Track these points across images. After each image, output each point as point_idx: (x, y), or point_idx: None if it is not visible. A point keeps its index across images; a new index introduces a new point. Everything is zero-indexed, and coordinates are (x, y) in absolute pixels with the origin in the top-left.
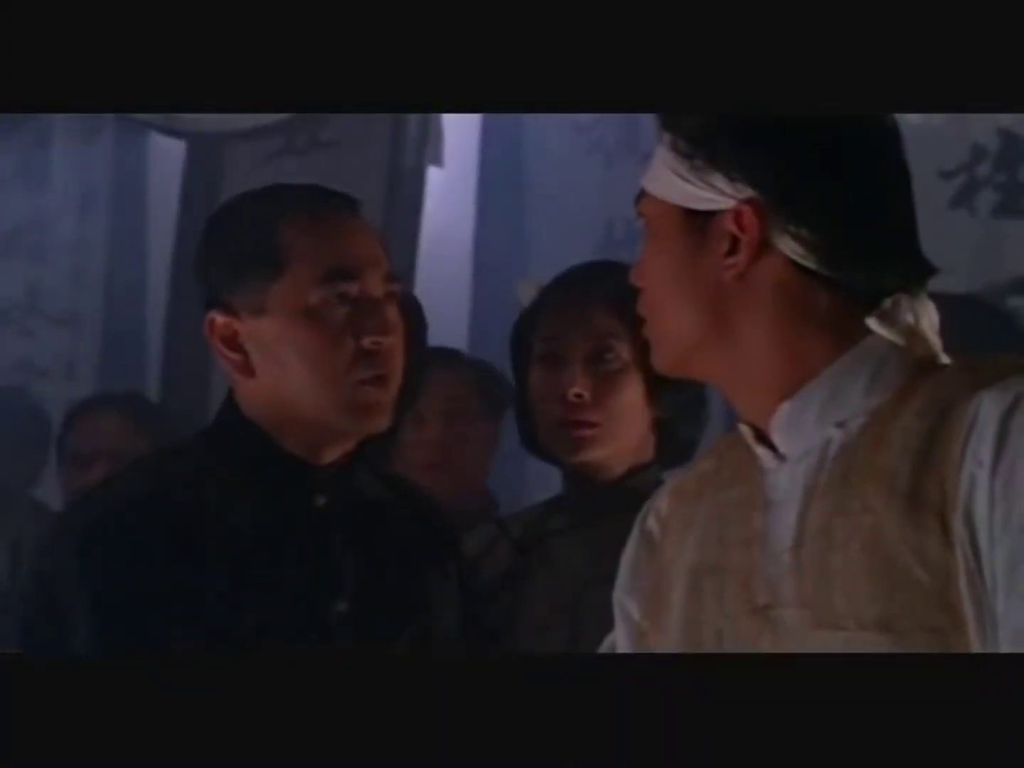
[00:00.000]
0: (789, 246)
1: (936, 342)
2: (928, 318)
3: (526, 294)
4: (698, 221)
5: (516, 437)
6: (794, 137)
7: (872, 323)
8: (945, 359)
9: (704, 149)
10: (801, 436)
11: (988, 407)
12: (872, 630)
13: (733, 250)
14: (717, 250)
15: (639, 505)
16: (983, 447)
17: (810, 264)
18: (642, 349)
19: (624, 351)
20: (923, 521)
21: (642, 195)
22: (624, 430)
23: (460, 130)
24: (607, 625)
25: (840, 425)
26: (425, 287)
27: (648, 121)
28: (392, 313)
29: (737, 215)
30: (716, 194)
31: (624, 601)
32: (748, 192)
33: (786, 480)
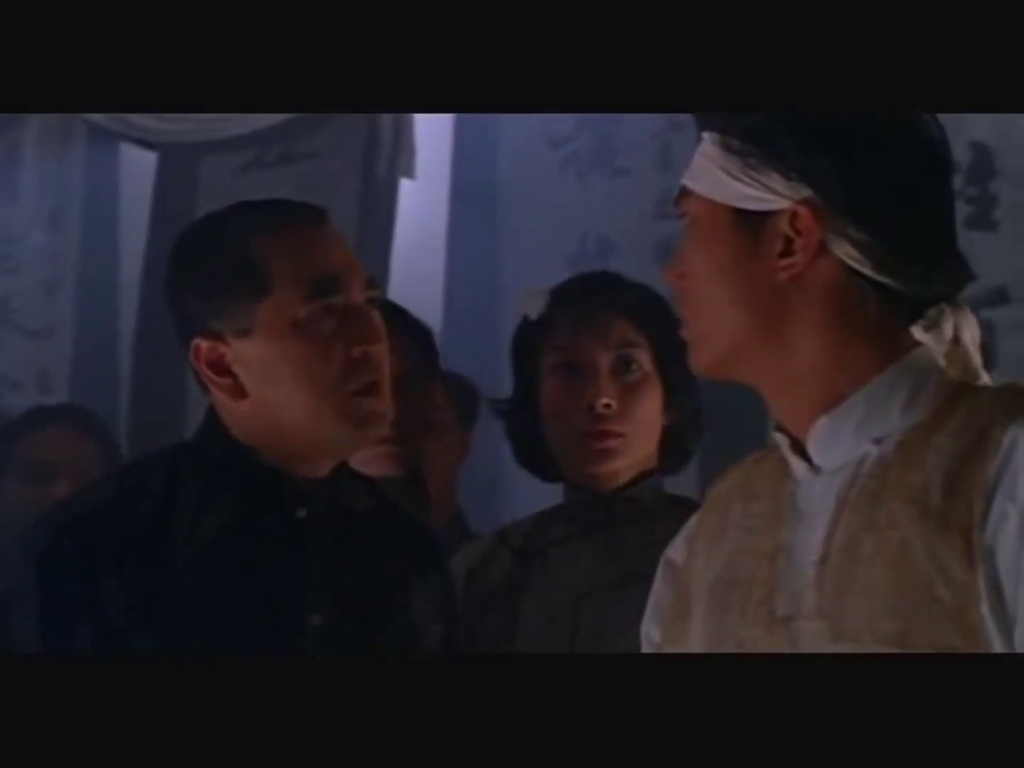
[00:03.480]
0: (844, 250)
1: (976, 356)
2: (970, 331)
3: (535, 304)
4: (749, 221)
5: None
6: (852, 137)
7: (917, 332)
8: (984, 376)
9: (761, 147)
10: (837, 450)
11: (1022, 447)
12: (888, 645)
13: (787, 251)
14: (770, 251)
15: (639, 514)
16: (1018, 485)
17: (864, 269)
18: (661, 357)
19: (645, 361)
20: (949, 540)
21: (684, 193)
22: (644, 440)
23: (433, 142)
24: (607, 634)
25: (877, 441)
26: (398, 299)
27: (621, 135)
28: (376, 319)
29: (793, 216)
30: (770, 194)
31: (649, 632)
32: (805, 192)
33: (819, 493)
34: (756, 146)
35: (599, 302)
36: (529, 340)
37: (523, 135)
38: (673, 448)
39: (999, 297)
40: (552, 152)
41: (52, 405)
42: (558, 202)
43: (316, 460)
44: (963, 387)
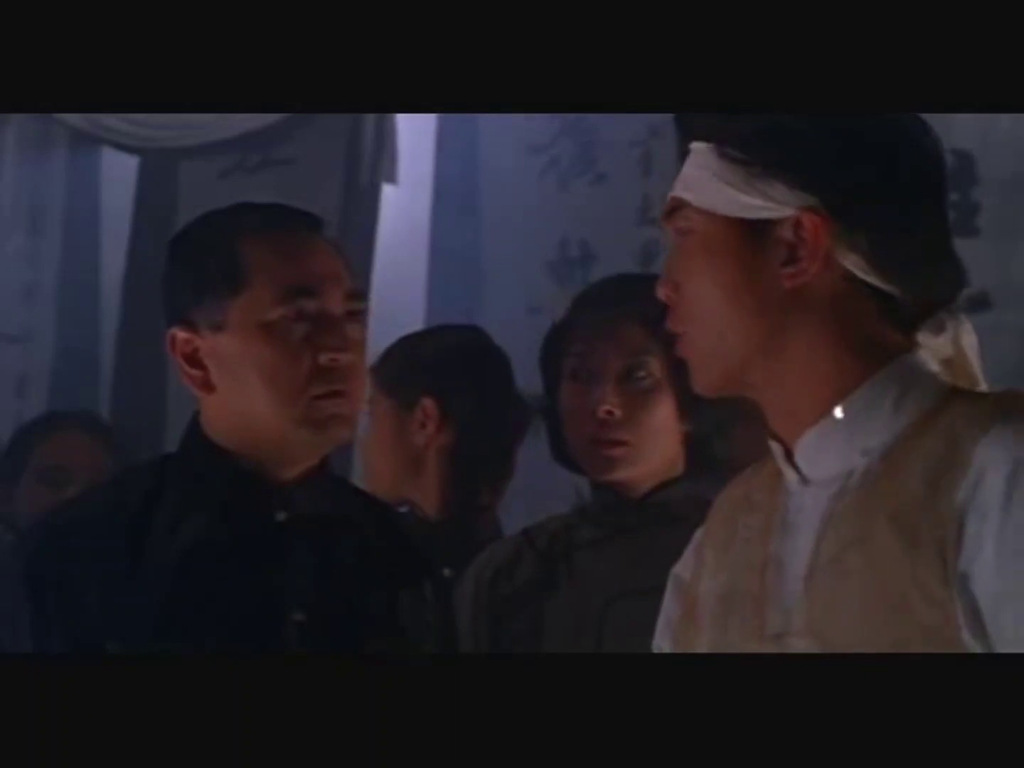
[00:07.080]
0: (850, 258)
1: (976, 362)
2: (968, 337)
3: (561, 309)
4: (753, 231)
5: None
6: (853, 142)
7: (925, 339)
8: (983, 384)
9: (763, 155)
10: (826, 462)
11: (993, 469)
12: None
13: (790, 259)
14: (773, 260)
15: (666, 519)
16: (991, 507)
17: (869, 276)
18: (675, 365)
19: (656, 368)
20: (924, 557)
21: (677, 206)
22: (655, 449)
23: (415, 147)
24: (631, 638)
25: (865, 453)
26: (379, 304)
27: (601, 140)
28: (353, 331)
29: (796, 223)
30: (773, 203)
31: (661, 646)
32: (809, 199)
33: (809, 504)
34: (758, 155)
35: (616, 308)
36: (553, 344)
37: (504, 141)
38: (698, 455)
39: (981, 303)
40: (533, 158)
41: (69, 411)
42: (539, 207)
43: (282, 462)
44: (950, 393)
